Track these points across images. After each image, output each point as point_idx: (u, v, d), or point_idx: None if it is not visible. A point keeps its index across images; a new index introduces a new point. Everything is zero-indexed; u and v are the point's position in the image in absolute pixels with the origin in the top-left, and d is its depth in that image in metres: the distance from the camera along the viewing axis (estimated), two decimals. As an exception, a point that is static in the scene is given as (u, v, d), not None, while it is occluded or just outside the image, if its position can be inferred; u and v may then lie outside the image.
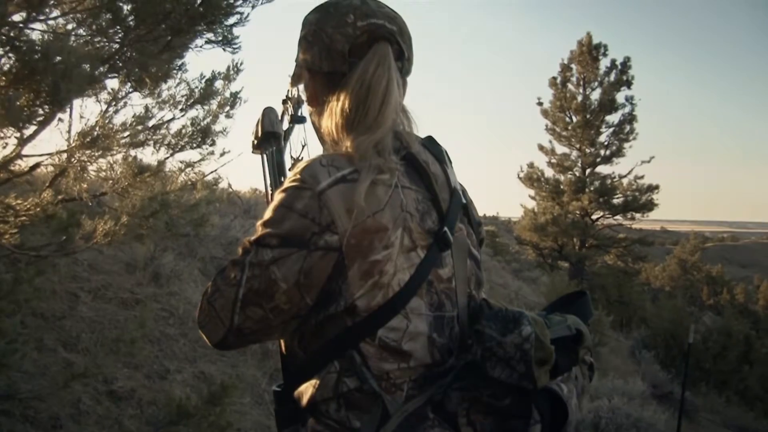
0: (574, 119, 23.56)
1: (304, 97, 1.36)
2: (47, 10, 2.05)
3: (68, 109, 2.55)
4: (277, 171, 1.55)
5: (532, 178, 24.62)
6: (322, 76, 1.27)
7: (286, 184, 1.14)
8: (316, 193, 1.09)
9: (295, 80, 1.37)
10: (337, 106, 1.20)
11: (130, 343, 3.77)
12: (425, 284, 1.14)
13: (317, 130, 1.34)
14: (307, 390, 1.16)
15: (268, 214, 1.13)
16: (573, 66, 23.68)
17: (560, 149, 24.36)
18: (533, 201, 25.10)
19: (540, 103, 24.51)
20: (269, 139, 1.57)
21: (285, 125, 1.62)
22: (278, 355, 1.32)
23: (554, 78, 23.94)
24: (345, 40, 1.22)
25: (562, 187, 23.82)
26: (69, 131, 2.93)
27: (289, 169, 1.56)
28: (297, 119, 1.60)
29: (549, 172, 24.63)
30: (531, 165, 24.92)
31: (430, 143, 1.33)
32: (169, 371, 4.70)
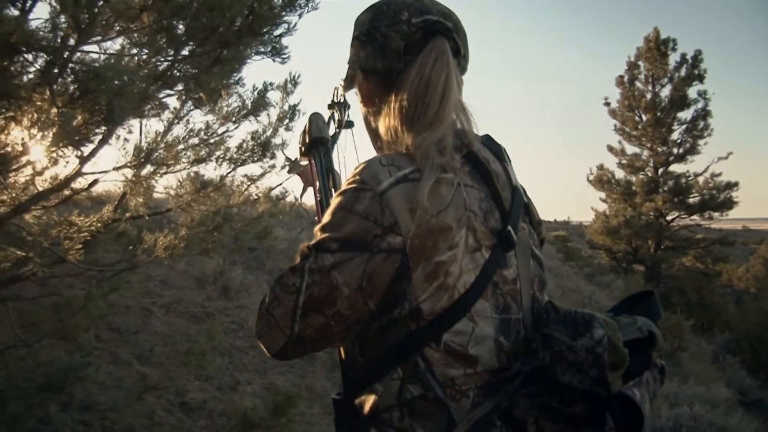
0: (644, 118, 22.70)
1: (358, 98, 1.33)
2: (99, 31, 2.09)
3: (131, 129, 2.62)
4: (326, 176, 1.53)
5: (602, 181, 23.86)
6: (377, 76, 1.25)
7: (345, 186, 1.10)
8: (377, 193, 1.05)
9: (349, 82, 1.35)
10: (395, 105, 1.17)
11: (200, 355, 3.84)
12: (490, 286, 1.10)
13: (372, 131, 1.31)
14: (368, 398, 1.12)
15: (326, 218, 1.10)
16: (640, 63, 22.84)
17: (630, 149, 23.50)
18: (604, 204, 24.29)
19: (607, 103, 23.76)
20: (317, 145, 1.56)
21: (332, 130, 1.61)
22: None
23: (621, 77, 23.17)
24: (400, 37, 1.19)
25: (634, 188, 22.96)
26: (138, 147, 3.02)
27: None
28: (344, 124, 1.58)
29: (620, 174, 23.79)
30: (601, 167, 24.16)
31: (488, 141, 1.29)
32: (239, 383, 4.76)
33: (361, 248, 1.04)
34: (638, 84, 22.91)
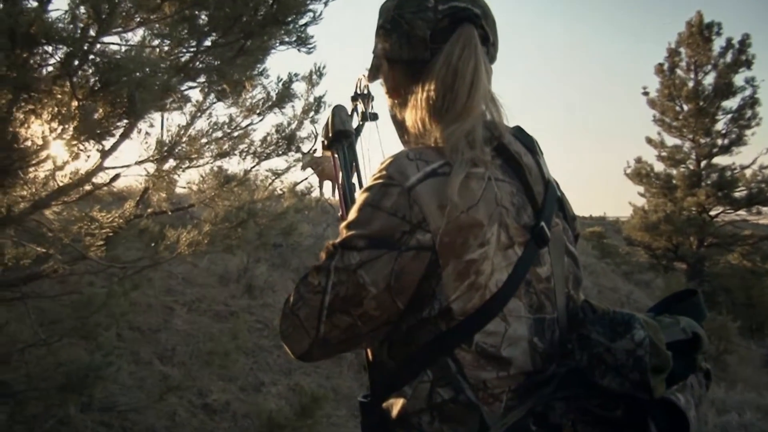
0: (686, 107, 22.23)
1: (383, 89, 1.32)
2: (119, 22, 2.09)
3: (152, 122, 2.64)
4: (350, 170, 1.52)
5: (640, 174, 23.45)
6: (403, 66, 1.24)
7: (371, 181, 1.10)
8: (405, 189, 1.04)
9: (374, 72, 1.34)
10: (421, 96, 1.16)
11: (224, 355, 3.87)
12: (523, 284, 1.09)
13: (398, 123, 1.30)
14: (396, 401, 1.11)
15: (352, 214, 1.09)
16: (682, 50, 22.34)
17: (671, 141, 23.02)
18: (643, 198, 23.87)
19: (646, 93, 23.34)
20: (340, 138, 1.55)
21: (355, 123, 1.60)
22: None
23: (661, 64, 22.72)
24: (426, 25, 1.17)
25: (674, 182, 22.53)
26: (160, 140, 3.04)
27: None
28: (368, 116, 1.58)
29: (659, 167, 23.33)
30: (639, 160, 23.73)
31: (519, 133, 1.28)
32: (263, 383, 4.79)
33: (388, 246, 1.04)
34: (679, 72, 22.43)
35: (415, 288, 1.06)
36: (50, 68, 2.17)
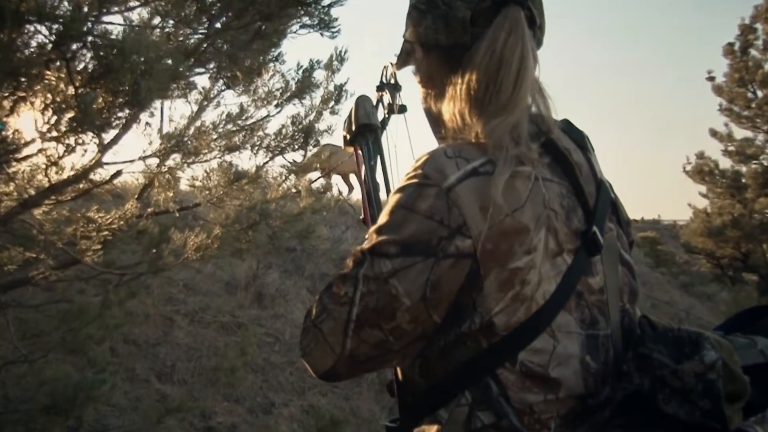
0: (760, 94, 21.85)
1: (416, 79, 1.32)
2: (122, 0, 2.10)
3: (152, 111, 2.65)
4: (375, 169, 1.54)
5: (702, 171, 23.13)
6: (439, 52, 1.23)
7: (404, 181, 1.09)
8: (443, 189, 1.03)
9: (403, 59, 1.34)
10: (461, 86, 1.15)
11: (230, 372, 3.89)
12: (574, 296, 1.08)
13: (433, 117, 1.30)
14: (430, 427, 1.10)
15: (383, 217, 1.08)
16: (758, 26, 21.97)
17: (740, 133, 22.63)
18: (705, 199, 23.56)
19: (711, 78, 23.00)
20: (364, 133, 1.57)
21: (381, 115, 1.61)
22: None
23: (731, 44, 22.32)
24: (466, 6, 1.17)
25: (744, 180, 22.19)
26: (160, 133, 3.05)
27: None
28: (395, 108, 1.58)
29: (725, 163, 22.96)
30: (701, 155, 23.40)
31: (568, 127, 1.27)
32: (274, 404, 4.81)
33: (424, 253, 1.03)
34: (754, 52, 22.04)
35: (453, 299, 1.05)
36: (43, 50, 2.18)
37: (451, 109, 1.17)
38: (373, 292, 1.05)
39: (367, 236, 1.11)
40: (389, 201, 1.10)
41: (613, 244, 1.20)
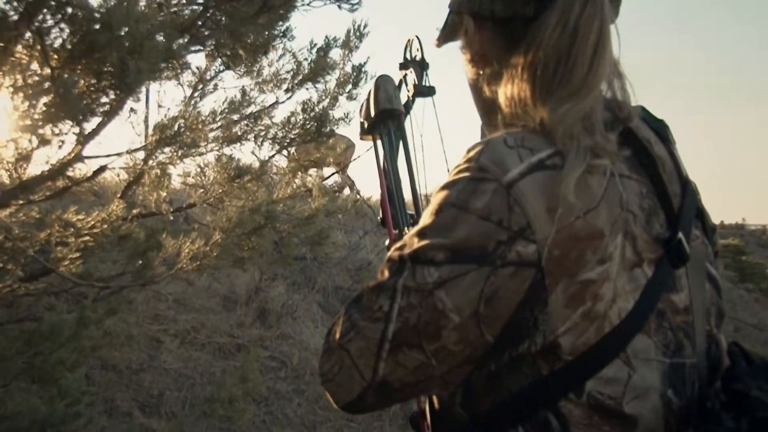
0: None
1: (465, 56, 1.31)
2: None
3: (141, 96, 2.65)
4: (396, 161, 1.54)
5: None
6: (495, 26, 1.22)
7: (453, 175, 1.07)
8: (503, 185, 1.01)
9: (448, 33, 1.34)
10: (524, 65, 1.14)
11: (228, 403, 3.89)
12: (654, 316, 1.06)
13: (483, 102, 1.29)
14: None
15: (427, 218, 1.07)
16: None
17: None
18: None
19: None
20: (385, 119, 1.57)
21: (404, 98, 1.61)
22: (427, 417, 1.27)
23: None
24: None
25: None
26: (146, 123, 3.05)
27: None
28: (422, 90, 1.58)
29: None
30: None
31: (647, 115, 1.27)
32: (279, 442, 4.81)
33: (479, 260, 1.00)
34: None
35: (510, 315, 1.02)
36: (8, 24, 2.17)
37: (509, 91, 1.16)
38: (414, 307, 1.03)
39: (405, 240, 1.09)
40: (435, 198, 1.08)
41: (700, 256, 1.19)
